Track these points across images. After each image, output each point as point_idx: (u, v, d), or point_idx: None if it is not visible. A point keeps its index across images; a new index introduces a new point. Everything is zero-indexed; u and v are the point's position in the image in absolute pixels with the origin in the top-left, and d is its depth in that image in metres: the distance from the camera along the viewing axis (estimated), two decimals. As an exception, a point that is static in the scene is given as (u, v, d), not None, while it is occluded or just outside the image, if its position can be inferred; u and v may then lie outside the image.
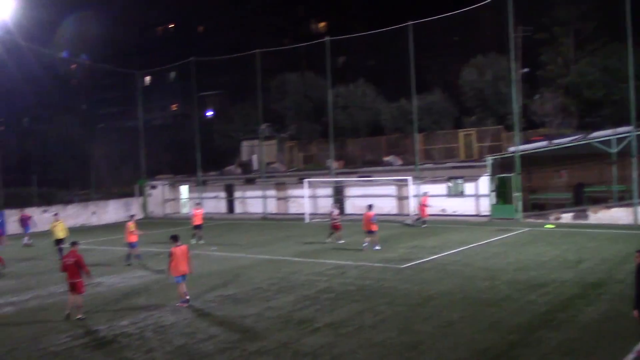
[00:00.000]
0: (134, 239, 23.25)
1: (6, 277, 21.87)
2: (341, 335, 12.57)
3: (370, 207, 25.10)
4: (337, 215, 27.49)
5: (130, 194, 49.55)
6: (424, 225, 31.46)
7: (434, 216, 34.25)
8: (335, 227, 27.03)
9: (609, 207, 30.21)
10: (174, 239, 16.25)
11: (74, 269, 15.08)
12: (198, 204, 33.60)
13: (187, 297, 15.92)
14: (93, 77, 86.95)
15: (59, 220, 26.88)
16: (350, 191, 39.98)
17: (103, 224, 44.55)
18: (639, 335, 10.39)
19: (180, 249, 15.93)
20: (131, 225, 23.58)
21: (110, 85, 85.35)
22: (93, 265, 23.35)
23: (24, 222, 34.10)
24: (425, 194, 33.46)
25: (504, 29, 33.72)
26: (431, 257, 21.73)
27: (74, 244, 15.99)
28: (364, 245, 24.20)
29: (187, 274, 16.04)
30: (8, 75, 46.96)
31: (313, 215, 39.06)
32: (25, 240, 32.83)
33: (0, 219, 38.25)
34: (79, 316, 14.88)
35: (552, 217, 31.30)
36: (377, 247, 24.02)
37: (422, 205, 32.06)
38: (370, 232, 24.26)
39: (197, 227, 29.28)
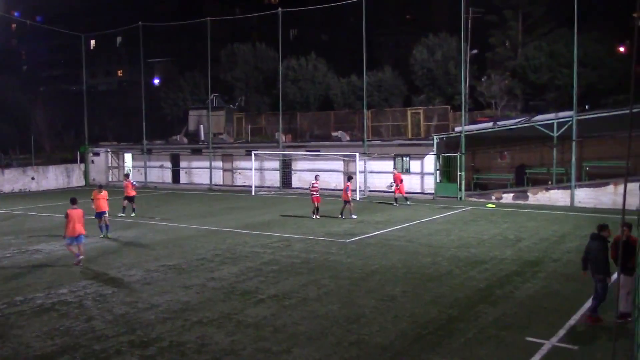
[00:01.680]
0: (102, 207, 21.59)
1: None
2: (284, 307, 12.62)
3: (350, 178, 26.93)
4: (317, 187, 26.37)
5: (72, 160, 48.17)
6: (408, 203, 30.43)
7: (379, 192, 34.71)
8: (313, 200, 26.19)
9: (548, 189, 31.15)
10: (72, 201, 17.23)
11: None
12: (127, 174, 32.29)
13: (81, 257, 16.71)
14: (36, 38, 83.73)
15: None
16: (297, 165, 39.93)
17: (42, 190, 43.22)
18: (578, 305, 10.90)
19: (76, 212, 16.77)
20: (96, 193, 22.00)
21: (53, 48, 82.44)
22: (31, 233, 22.83)
23: None
24: (394, 171, 32.34)
25: (456, 10, 34.06)
26: (376, 233, 21.99)
27: None
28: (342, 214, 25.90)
29: (83, 235, 16.87)
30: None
31: (259, 187, 38.96)
32: None
33: None
34: None
35: (493, 197, 32.08)
36: (354, 216, 25.62)
37: (395, 184, 30.82)
38: (346, 202, 25.78)
39: (129, 198, 27.35)
